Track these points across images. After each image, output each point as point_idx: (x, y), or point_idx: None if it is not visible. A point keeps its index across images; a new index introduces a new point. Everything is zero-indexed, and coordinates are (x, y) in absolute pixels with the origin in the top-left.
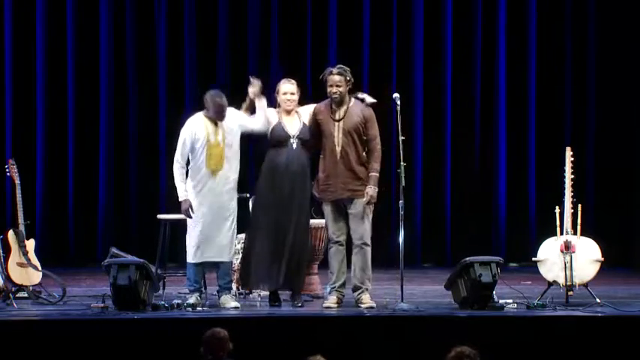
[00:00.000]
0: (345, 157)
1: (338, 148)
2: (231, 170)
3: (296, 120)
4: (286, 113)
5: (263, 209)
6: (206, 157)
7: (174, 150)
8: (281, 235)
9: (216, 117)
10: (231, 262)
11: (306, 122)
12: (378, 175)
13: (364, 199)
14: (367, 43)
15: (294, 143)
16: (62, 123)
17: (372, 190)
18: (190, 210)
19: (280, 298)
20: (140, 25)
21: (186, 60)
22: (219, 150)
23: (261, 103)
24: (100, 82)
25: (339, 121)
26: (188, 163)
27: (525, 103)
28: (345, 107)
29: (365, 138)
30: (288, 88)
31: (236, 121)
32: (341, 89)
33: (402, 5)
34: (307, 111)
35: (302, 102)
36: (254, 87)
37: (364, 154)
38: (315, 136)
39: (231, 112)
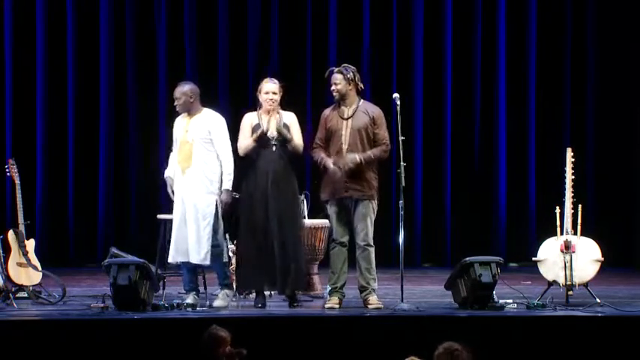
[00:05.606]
0: None
1: (345, 146)
2: (203, 169)
3: (275, 121)
4: (266, 113)
5: (246, 211)
6: (178, 152)
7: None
8: (266, 235)
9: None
10: (228, 263)
11: (288, 124)
12: (371, 157)
13: (350, 158)
14: (367, 43)
15: (273, 145)
16: (62, 123)
17: (356, 157)
18: (171, 192)
19: (266, 300)
20: (140, 25)
21: (187, 60)
22: (188, 146)
23: None
24: (100, 82)
25: (347, 119)
26: None
27: (525, 103)
28: (354, 106)
29: (373, 139)
30: (270, 87)
31: (218, 126)
32: (339, 87)
33: (402, 5)
34: (288, 116)
35: (302, 101)
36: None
37: None
38: (324, 140)
39: (216, 118)
